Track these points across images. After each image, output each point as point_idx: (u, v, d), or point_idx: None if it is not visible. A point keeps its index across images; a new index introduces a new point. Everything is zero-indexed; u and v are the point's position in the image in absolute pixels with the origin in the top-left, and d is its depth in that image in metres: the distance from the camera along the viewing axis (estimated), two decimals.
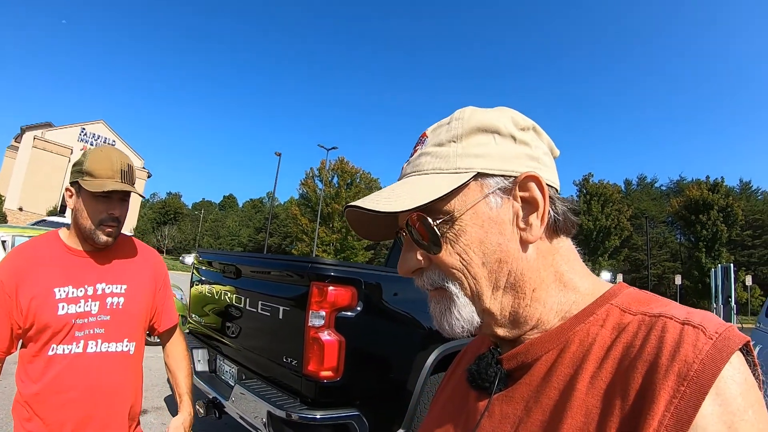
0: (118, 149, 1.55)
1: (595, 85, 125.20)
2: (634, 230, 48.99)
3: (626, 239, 45.96)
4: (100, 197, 1.43)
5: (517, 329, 0.59)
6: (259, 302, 2.92)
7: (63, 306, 1.40)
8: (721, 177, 43.72)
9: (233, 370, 3.20)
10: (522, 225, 0.57)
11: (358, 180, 49.31)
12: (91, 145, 49.85)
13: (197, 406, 2.83)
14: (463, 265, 0.57)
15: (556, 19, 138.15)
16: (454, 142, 0.59)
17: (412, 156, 0.64)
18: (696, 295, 38.63)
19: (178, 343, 1.80)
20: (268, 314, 2.83)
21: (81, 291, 1.45)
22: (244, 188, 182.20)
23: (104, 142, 50.57)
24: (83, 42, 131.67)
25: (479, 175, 0.57)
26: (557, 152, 0.66)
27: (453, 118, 0.62)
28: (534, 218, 0.57)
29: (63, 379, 1.39)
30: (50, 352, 1.39)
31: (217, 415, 3.02)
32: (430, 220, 0.56)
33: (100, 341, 1.46)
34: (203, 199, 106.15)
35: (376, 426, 2.61)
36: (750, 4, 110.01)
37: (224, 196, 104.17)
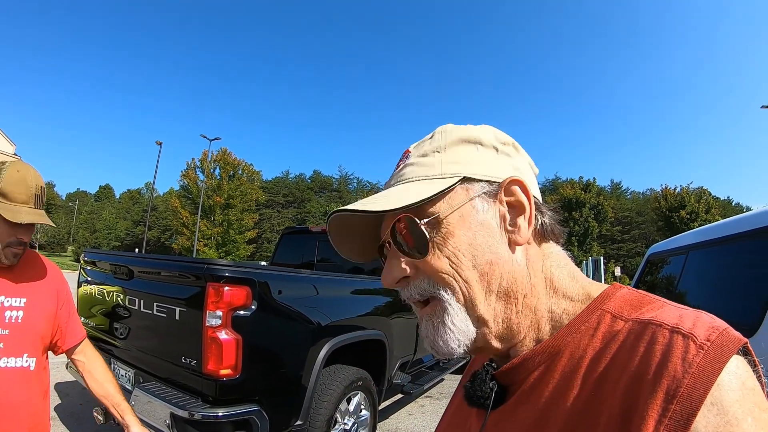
0: (32, 168, 1.55)
1: (472, 83, 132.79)
2: None
3: None
4: (11, 223, 1.44)
5: (509, 340, 0.57)
6: (155, 304, 2.88)
7: None
8: (593, 177, 47.97)
9: (129, 373, 3.12)
10: (509, 227, 0.57)
11: (240, 172, 48.14)
12: None
13: (95, 414, 2.73)
14: (453, 268, 0.54)
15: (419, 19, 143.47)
16: (438, 152, 0.59)
17: (395, 171, 0.63)
18: None
19: (95, 358, 1.78)
20: (164, 315, 2.81)
21: None
22: (122, 178, 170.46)
23: None
24: None
25: (465, 180, 0.57)
26: (536, 170, 0.67)
27: (435, 132, 0.62)
28: (521, 220, 0.57)
29: None
30: None
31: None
32: (417, 219, 0.55)
33: None
34: (78, 189, 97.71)
35: (275, 419, 2.73)
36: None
37: (100, 186, 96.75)
